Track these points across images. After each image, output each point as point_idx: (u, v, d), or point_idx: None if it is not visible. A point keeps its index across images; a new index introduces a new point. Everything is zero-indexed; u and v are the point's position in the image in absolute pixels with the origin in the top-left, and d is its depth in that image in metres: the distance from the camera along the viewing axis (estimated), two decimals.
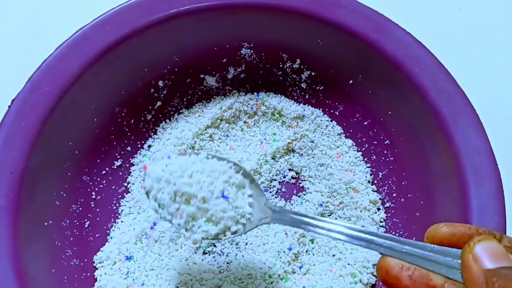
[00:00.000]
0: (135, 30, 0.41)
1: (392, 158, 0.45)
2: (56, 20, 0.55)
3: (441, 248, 0.27)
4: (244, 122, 0.49)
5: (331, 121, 0.48)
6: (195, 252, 0.42)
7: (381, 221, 0.45)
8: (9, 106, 0.38)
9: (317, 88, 0.48)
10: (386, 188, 0.45)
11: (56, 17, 0.55)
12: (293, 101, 0.49)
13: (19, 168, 0.36)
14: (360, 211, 0.45)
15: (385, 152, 0.46)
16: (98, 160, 0.44)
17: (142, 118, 0.47)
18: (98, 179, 0.44)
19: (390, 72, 0.42)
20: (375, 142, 0.46)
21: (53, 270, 0.38)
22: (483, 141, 0.37)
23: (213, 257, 0.42)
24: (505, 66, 0.55)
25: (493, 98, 0.52)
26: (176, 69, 0.47)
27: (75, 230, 0.41)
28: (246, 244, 0.43)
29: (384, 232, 0.44)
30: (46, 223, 0.39)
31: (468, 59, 0.55)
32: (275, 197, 0.46)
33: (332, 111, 0.48)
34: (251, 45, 0.47)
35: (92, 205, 0.44)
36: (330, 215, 0.45)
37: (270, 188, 0.46)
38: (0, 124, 0.37)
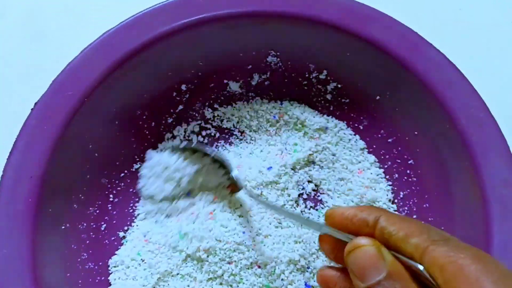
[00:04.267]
0: (162, 34, 0.40)
1: (415, 179, 0.44)
2: (56, 20, 0.53)
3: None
4: (266, 130, 0.48)
5: (355, 135, 0.47)
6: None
7: None
8: (32, 109, 0.37)
9: (343, 100, 0.47)
10: (406, 208, 0.44)
11: (56, 17, 0.53)
12: (316, 112, 0.48)
13: (39, 172, 0.36)
14: None
15: (408, 172, 0.45)
16: (117, 163, 0.44)
17: (163, 121, 0.46)
18: (116, 182, 0.44)
19: (420, 93, 0.40)
20: (398, 161, 0.45)
21: (68, 275, 0.38)
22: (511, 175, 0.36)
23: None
24: (505, 66, 0.54)
25: (493, 98, 0.50)
26: (200, 74, 0.46)
27: (91, 233, 0.42)
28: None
29: None
30: (63, 227, 0.39)
31: (467, 59, 0.52)
32: (293, 208, 0.45)
33: (356, 125, 0.47)
34: (278, 53, 0.45)
35: (109, 208, 0.43)
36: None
37: (288, 200, 0.45)
38: (22, 127, 0.37)
